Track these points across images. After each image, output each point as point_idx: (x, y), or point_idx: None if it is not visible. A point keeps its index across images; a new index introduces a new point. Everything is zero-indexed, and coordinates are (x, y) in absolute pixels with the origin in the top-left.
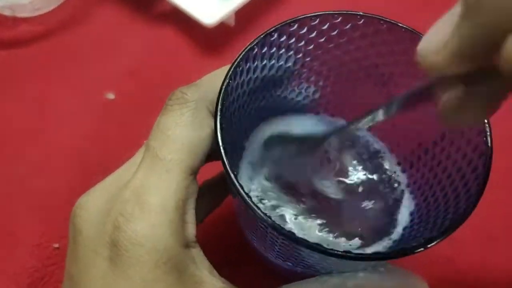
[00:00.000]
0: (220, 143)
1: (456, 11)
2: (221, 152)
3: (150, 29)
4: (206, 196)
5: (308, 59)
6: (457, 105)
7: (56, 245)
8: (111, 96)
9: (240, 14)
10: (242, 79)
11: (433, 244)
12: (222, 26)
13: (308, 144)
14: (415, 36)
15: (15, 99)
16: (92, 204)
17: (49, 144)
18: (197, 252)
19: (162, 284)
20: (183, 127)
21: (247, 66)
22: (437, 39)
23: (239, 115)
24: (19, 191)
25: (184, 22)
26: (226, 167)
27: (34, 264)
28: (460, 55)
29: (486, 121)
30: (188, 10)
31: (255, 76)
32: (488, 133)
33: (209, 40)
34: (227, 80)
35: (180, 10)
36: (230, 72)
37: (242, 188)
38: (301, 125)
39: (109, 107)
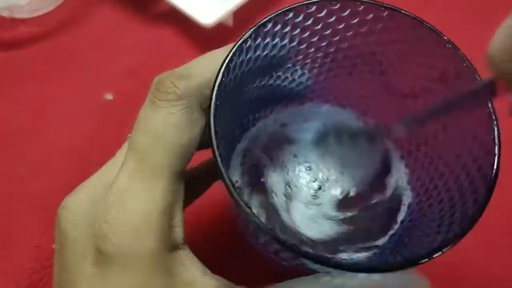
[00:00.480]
0: (217, 153)
1: None
2: (217, 161)
3: (149, 30)
4: (189, 185)
5: (303, 46)
6: None
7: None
8: (110, 96)
9: (238, 14)
10: (235, 73)
11: (443, 251)
12: (220, 26)
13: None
14: (418, 23)
15: (14, 100)
16: (77, 206)
17: (48, 145)
18: (186, 254)
19: None
20: (174, 128)
21: (240, 59)
22: (509, 43)
23: (232, 108)
24: (18, 192)
25: (183, 23)
26: (225, 179)
27: (33, 265)
28: None
29: (494, 118)
30: (186, 11)
31: (248, 67)
32: (496, 131)
33: (208, 40)
34: (220, 78)
35: (178, 11)
36: (223, 69)
37: (248, 205)
38: (320, 117)
39: (108, 107)
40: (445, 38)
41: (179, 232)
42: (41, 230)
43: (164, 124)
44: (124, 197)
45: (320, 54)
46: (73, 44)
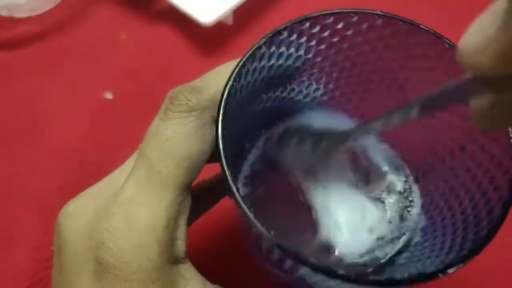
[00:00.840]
0: (225, 168)
1: (499, 7)
2: (225, 173)
3: (148, 28)
4: (197, 199)
5: (318, 59)
6: (488, 111)
7: None
8: (109, 95)
9: (238, 13)
10: (247, 80)
11: (454, 269)
12: (220, 25)
13: (328, 140)
14: (438, 40)
15: (13, 99)
16: (79, 214)
17: (48, 144)
18: (187, 268)
19: None
20: (184, 139)
21: (253, 67)
22: (481, 38)
23: (241, 118)
24: (18, 192)
25: (182, 21)
26: (233, 191)
27: (33, 266)
28: (507, 55)
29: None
30: (186, 9)
31: (261, 76)
32: None
33: (207, 39)
34: (231, 82)
35: (177, 9)
36: (235, 74)
37: (251, 212)
38: (319, 121)
39: (108, 106)
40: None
41: (181, 245)
42: (41, 230)
43: (175, 135)
44: (129, 207)
45: (335, 68)
46: (72, 43)
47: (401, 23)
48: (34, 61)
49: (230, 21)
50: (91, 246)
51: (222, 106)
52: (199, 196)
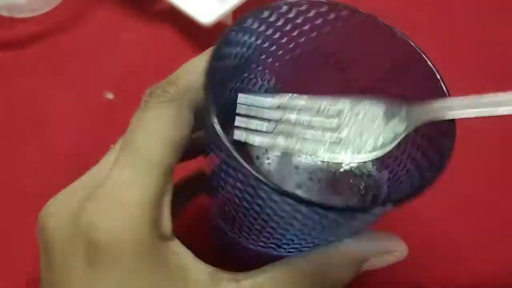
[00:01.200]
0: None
1: None
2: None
3: (148, 29)
4: (180, 193)
5: (273, 48)
6: None
7: None
8: (109, 95)
9: (238, 13)
10: (222, 63)
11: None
12: (219, 25)
13: None
14: (375, 24)
15: (13, 100)
16: (61, 209)
17: (48, 145)
18: (177, 244)
19: (146, 276)
20: (166, 125)
21: (227, 51)
22: None
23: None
24: (17, 192)
25: (182, 21)
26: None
27: (31, 265)
28: None
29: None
30: (186, 10)
31: (232, 62)
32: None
33: (207, 39)
34: (213, 52)
35: (177, 10)
36: (214, 51)
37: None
38: None
39: (108, 106)
40: (396, 29)
41: (168, 223)
42: None
43: (156, 121)
44: (116, 188)
45: (287, 57)
46: (72, 43)
47: (341, 8)
48: (34, 61)
49: (229, 22)
50: (79, 234)
51: (207, 66)
52: (180, 190)
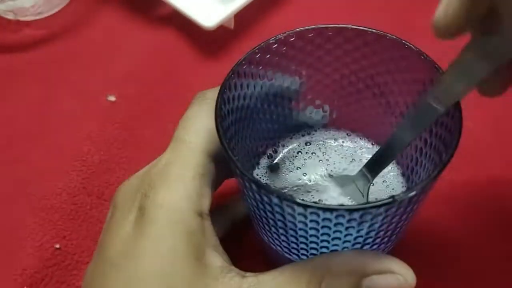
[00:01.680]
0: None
1: None
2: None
3: (151, 32)
4: (223, 216)
5: (309, 72)
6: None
7: (57, 246)
8: (112, 98)
9: (240, 17)
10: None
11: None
12: (221, 29)
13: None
14: (400, 44)
15: (18, 102)
16: (127, 186)
17: (52, 146)
18: (208, 224)
19: (173, 241)
20: (203, 117)
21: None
22: (443, 5)
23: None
24: (22, 193)
25: (184, 25)
26: (224, 146)
27: (35, 265)
28: (463, 13)
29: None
30: (188, 13)
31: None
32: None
33: (209, 42)
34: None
35: (180, 13)
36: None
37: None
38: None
39: (111, 109)
40: (418, 50)
41: (206, 202)
42: (43, 230)
43: (196, 115)
44: (164, 168)
45: (328, 81)
46: (76, 46)
47: (368, 32)
48: (39, 64)
49: (231, 25)
50: (135, 199)
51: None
52: (224, 213)
